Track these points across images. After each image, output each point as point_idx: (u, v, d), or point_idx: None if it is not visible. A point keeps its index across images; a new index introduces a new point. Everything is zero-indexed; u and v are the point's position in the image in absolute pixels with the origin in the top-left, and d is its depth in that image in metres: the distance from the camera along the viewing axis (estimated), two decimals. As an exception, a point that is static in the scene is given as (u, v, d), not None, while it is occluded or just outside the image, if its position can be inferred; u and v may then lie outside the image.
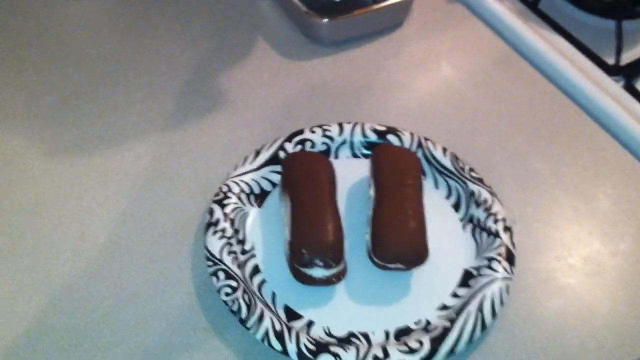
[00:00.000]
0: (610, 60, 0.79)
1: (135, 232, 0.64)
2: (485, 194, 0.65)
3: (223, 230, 0.61)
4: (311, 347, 0.55)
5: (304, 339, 0.55)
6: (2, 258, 0.62)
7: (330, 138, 0.69)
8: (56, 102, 0.74)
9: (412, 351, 0.55)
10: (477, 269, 0.61)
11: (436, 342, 0.55)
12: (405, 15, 0.84)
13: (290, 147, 0.67)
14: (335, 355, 0.54)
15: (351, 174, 0.67)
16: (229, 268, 0.59)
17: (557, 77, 0.79)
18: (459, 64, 0.80)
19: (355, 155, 0.69)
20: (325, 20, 0.79)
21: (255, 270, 0.60)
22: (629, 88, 0.77)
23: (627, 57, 0.80)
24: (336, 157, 0.69)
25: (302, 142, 0.68)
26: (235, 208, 0.63)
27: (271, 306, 0.58)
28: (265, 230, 0.63)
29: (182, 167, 0.69)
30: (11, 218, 0.65)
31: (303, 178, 0.62)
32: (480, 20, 0.85)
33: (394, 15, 0.83)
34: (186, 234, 0.64)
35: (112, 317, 0.58)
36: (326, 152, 0.69)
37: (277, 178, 0.66)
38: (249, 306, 0.56)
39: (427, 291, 0.60)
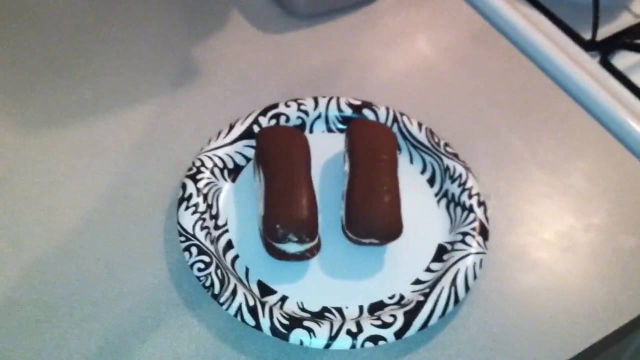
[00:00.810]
0: (587, 35, 0.79)
1: (106, 207, 0.63)
2: (459, 169, 0.64)
3: (196, 205, 0.60)
4: (284, 322, 0.54)
5: (277, 314, 0.55)
6: (-30, 233, 0.61)
7: (305, 112, 0.68)
8: (24, 74, 0.73)
9: (385, 325, 0.55)
10: (452, 243, 0.61)
11: (409, 316, 0.55)
12: (382, -11, 0.83)
13: (264, 121, 0.67)
14: (309, 330, 0.54)
15: (326, 149, 0.67)
16: (201, 243, 0.58)
17: (533, 52, 0.78)
18: (435, 38, 0.80)
19: (330, 130, 0.69)
20: (301, -8, 0.78)
21: (229, 245, 0.60)
22: (605, 63, 0.77)
23: (603, 32, 0.80)
24: (311, 131, 0.68)
25: (276, 116, 0.67)
26: (209, 183, 0.62)
27: (244, 281, 0.58)
28: (238, 205, 0.62)
29: (154, 141, 0.68)
30: (-21, 192, 0.63)
31: (277, 153, 0.62)
32: (457, -6, 0.85)
33: (371, -12, 0.82)
34: (159, 209, 0.63)
35: (83, 293, 0.58)
36: (301, 127, 0.68)
37: (251, 152, 0.65)
38: (222, 281, 0.56)
39: (402, 266, 0.60)
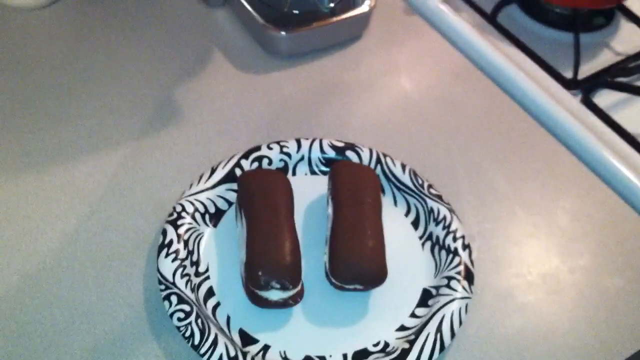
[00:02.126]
0: (568, 74, 0.79)
1: (85, 253, 0.62)
2: (444, 211, 0.64)
3: (176, 252, 0.59)
4: (267, 372, 0.53)
5: (259, 365, 0.54)
6: (-55, 282, 0.59)
7: (288, 155, 0.67)
8: (2, 114, 0.72)
9: (370, 375, 0.54)
10: (437, 288, 0.60)
11: (395, 365, 0.54)
12: (364, 28, 0.83)
13: (247, 164, 0.66)
14: (292, 380, 0.53)
15: (309, 191, 0.66)
16: (182, 292, 0.57)
17: (515, 90, 0.78)
18: (417, 76, 0.79)
19: (313, 172, 0.68)
20: (283, 33, 0.77)
21: (210, 292, 0.59)
22: (587, 102, 0.77)
23: (584, 71, 0.81)
24: (294, 174, 0.68)
25: (259, 159, 0.67)
26: (190, 228, 0.61)
27: (226, 330, 0.56)
28: (220, 251, 0.61)
29: (134, 184, 0.67)
30: (-45, 239, 0.62)
31: (259, 196, 0.61)
32: (438, 32, 0.85)
33: (353, 27, 0.82)
34: (138, 255, 0.62)
35: (59, 343, 0.56)
36: (284, 169, 0.67)
37: (233, 196, 0.64)
38: (202, 331, 0.54)
39: (386, 312, 0.59)
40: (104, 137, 0.70)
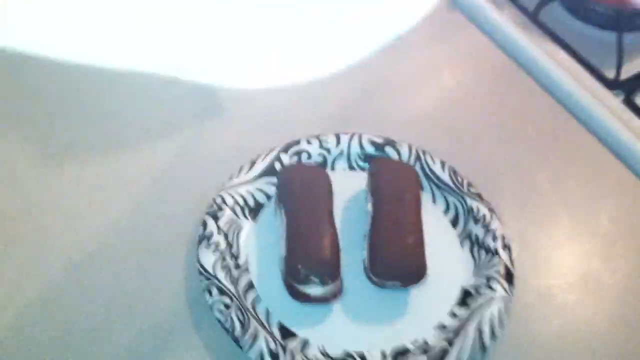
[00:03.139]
0: (610, 74, 0.78)
1: (127, 243, 0.62)
2: (484, 210, 0.63)
3: (216, 244, 0.60)
4: (306, 367, 0.53)
5: (299, 359, 0.54)
6: (-12, 267, 0.60)
7: (327, 150, 0.68)
8: (49, 108, 0.72)
9: (409, 373, 0.54)
10: (476, 287, 0.60)
11: (434, 364, 0.54)
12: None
13: (286, 158, 0.66)
14: (331, 375, 0.53)
15: (348, 187, 0.66)
16: (222, 284, 0.57)
17: (556, 89, 0.77)
18: (458, 74, 0.79)
19: (351, 167, 0.68)
20: (323, 27, 0.77)
21: (249, 286, 0.59)
22: (629, 102, 0.76)
23: (627, 71, 0.79)
24: (332, 168, 0.68)
25: (298, 153, 0.67)
26: (229, 221, 0.62)
27: (265, 324, 0.57)
28: (259, 245, 0.62)
29: (176, 176, 0.67)
30: (0, 226, 0.63)
31: (299, 191, 0.61)
32: (480, 29, 0.84)
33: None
34: (179, 245, 0.62)
35: (101, 331, 0.57)
36: (323, 164, 0.67)
37: (272, 190, 0.65)
38: (242, 324, 0.55)
39: (425, 310, 0.59)
40: (146, 130, 0.71)
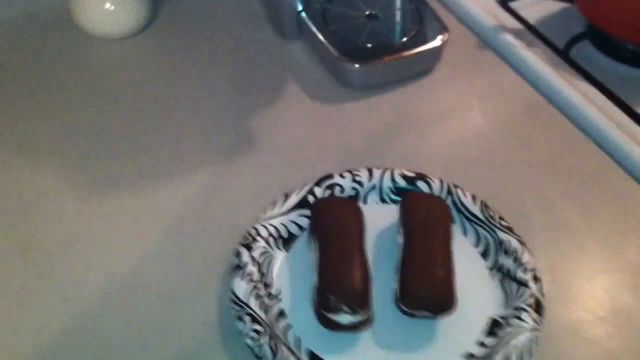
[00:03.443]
0: (642, 110, 0.79)
1: (162, 273, 0.64)
2: (514, 243, 0.64)
3: (250, 274, 0.61)
4: (336, 394, 0.54)
5: (328, 386, 0.55)
6: (29, 294, 0.62)
7: (360, 183, 0.69)
8: (88, 140, 0.76)
9: (438, 402, 0.54)
10: (505, 318, 0.60)
11: (463, 394, 0.55)
12: (436, 62, 0.85)
13: (319, 191, 0.68)
14: (360, 404, 0.54)
15: (380, 220, 0.67)
16: (254, 312, 0.58)
17: (587, 126, 0.78)
18: (488, 110, 0.80)
19: (383, 201, 0.69)
20: (357, 65, 0.80)
21: (281, 314, 0.60)
22: (661, 139, 0.76)
23: (658, 107, 0.80)
24: (365, 202, 0.69)
25: (331, 186, 0.68)
26: (264, 252, 0.63)
27: (296, 352, 0.58)
28: (291, 275, 0.63)
29: (211, 208, 0.69)
30: (40, 256, 0.65)
31: (332, 223, 0.63)
32: (510, 67, 0.85)
33: (425, 61, 0.84)
34: (212, 276, 0.64)
35: (134, 357, 0.58)
36: (355, 197, 0.69)
37: (305, 222, 0.66)
38: (274, 352, 0.56)
39: (454, 339, 0.59)
40: (182, 164, 0.73)
